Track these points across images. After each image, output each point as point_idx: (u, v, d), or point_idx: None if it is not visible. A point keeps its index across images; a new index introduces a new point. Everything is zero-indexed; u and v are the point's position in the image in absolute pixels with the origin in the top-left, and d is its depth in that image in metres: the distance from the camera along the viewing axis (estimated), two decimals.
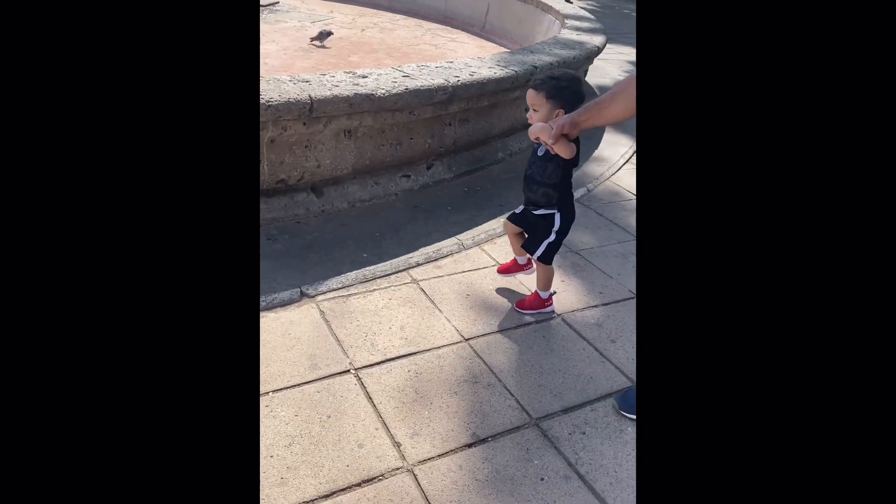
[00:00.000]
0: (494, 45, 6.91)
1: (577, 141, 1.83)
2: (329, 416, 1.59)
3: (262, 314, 1.98)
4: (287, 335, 1.89)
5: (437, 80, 2.85)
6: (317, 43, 5.83)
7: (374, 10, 8.32)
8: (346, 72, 2.81)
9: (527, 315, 2.14)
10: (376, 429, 1.57)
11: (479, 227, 2.70)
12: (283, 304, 2.04)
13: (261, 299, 2.03)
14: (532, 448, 1.57)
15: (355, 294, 2.15)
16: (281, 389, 1.67)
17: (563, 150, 1.78)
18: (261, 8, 7.61)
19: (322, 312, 2.03)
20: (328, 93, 2.50)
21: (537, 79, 1.89)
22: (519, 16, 6.94)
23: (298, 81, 2.56)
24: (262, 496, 1.35)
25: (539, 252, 2.03)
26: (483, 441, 1.58)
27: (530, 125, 1.87)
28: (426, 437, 1.57)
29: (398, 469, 1.46)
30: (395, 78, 2.81)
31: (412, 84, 2.77)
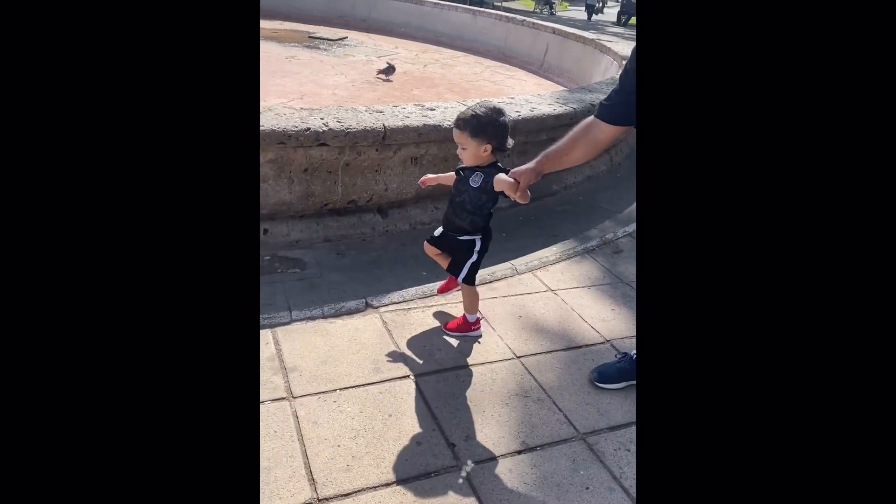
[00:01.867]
0: (552, 83, 7.10)
1: (505, 171, 1.89)
2: (390, 415, 1.73)
3: (331, 321, 2.16)
4: (353, 340, 2.06)
5: None
6: (382, 76, 6.17)
7: (436, 47, 8.71)
8: (415, 104, 3.03)
9: (454, 336, 2.15)
10: (433, 430, 1.70)
11: (532, 254, 2.83)
12: (351, 312, 2.22)
13: (331, 307, 2.22)
14: (578, 459, 1.66)
15: (415, 308, 2.31)
16: (347, 388, 1.82)
17: (524, 199, 1.80)
18: (331, 42, 8.11)
19: (385, 322, 2.19)
20: (400, 123, 2.72)
21: (459, 119, 1.89)
22: (577, 56, 7.12)
23: (374, 112, 2.79)
24: (329, 480, 1.50)
25: (463, 274, 2.07)
26: (532, 449, 1.68)
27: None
28: (479, 440, 1.68)
29: (452, 467, 1.58)
30: (460, 111, 3.01)
31: None
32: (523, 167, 1.81)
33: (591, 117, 1.73)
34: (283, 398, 1.75)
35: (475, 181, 1.95)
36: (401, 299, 2.34)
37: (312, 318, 2.16)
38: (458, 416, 1.77)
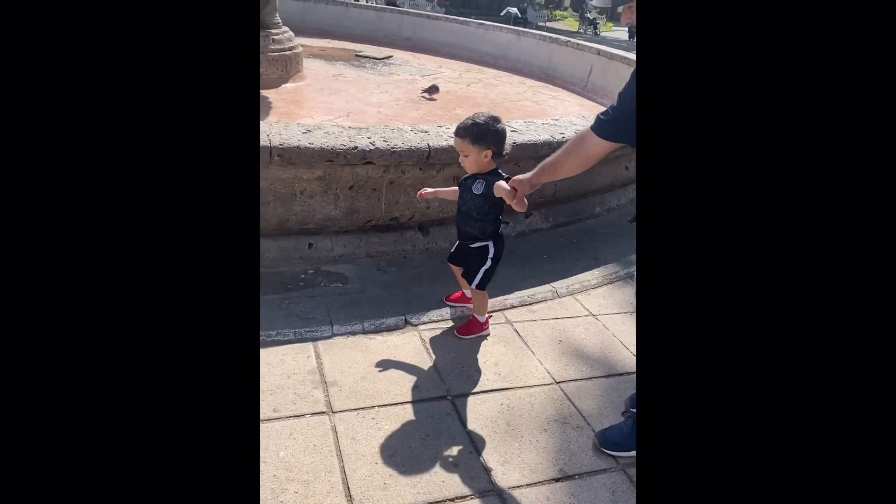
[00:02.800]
0: (595, 103, 7.07)
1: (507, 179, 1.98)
2: (427, 435, 1.73)
3: (371, 336, 2.19)
4: (392, 357, 2.07)
5: (543, 136, 3.04)
6: (426, 96, 6.26)
7: (480, 67, 8.78)
8: None
9: (466, 340, 2.23)
10: (469, 452, 1.69)
11: (574, 277, 2.80)
12: (390, 329, 2.24)
13: (371, 323, 2.24)
14: (618, 490, 1.62)
15: (454, 327, 2.31)
16: (386, 405, 1.83)
17: (521, 207, 1.92)
18: (376, 60, 8.29)
19: (423, 341, 2.20)
20: (444, 142, 2.75)
21: (460, 128, 2.02)
22: (622, 76, 7.06)
23: (419, 131, 2.84)
24: (367, 497, 1.50)
25: (476, 281, 2.16)
26: (570, 478, 1.65)
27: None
28: (516, 466, 1.66)
29: (489, 491, 1.57)
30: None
31: (519, 138, 2.97)
32: (522, 176, 1.89)
33: (587, 128, 1.74)
34: (324, 412, 1.77)
35: (477, 188, 2.06)
36: (440, 318, 2.35)
37: (353, 334, 2.19)
38: (495, 439, 1.75)
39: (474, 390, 1.96)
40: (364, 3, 16.02)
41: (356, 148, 2.58)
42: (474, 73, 8.22)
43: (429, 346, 2.17)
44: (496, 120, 2.02)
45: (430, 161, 2.73)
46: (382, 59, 8.37)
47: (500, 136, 2.01)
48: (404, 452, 1.66)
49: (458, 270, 2.30)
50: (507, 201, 1.91)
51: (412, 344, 2.17)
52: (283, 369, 1.94)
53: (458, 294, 2.46)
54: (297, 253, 2.68)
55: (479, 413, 1.85)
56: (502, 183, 1.93)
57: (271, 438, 1.64)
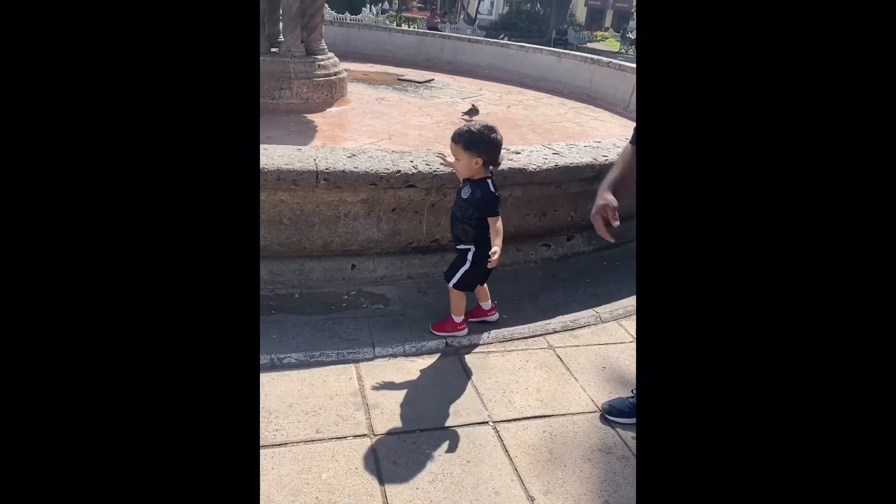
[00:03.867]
0: None
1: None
2: (468, 462, 1.71)
3: (412, 359, 2.19)
4: (433, 381, 2.07)
5: (586, 159, 3.02)
6: (466, 118, 6.33)
7: (520, 89, 8.83)
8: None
9: (441, 336, 2.30)
10: (511, 480, 1.66)
11: (618, 301, 2.75)
12: (431, 352, 2.24)
13: (412, 345, 2.25)
14: None
15: (494, 352, 2.29)
16: (427, 430, 1.83)
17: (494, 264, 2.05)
18: (418, 84, 8.43)
19: (464, 365, 2.19)
20: None
21: (455, 133, 2.13)
22: None
23: None
24: None
25: (455, 280, 2.26)
26: None
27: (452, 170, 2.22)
28: (559, 496, 1.63)
29: None
30: (545, 155, 3.02)
31: (561, 161, 2.96)
32: (608, 203, 1.85)
33: (628, 143, 1.80)
34: (365, 435, 1.78)
35: (465, 193, 2.19)
36: (481, 342, 2.34)
37: (395, 356, 2.20)
38: (538, 467, 1.72)
39: (516, 416, 1.93)
40: (406, 27, 16.41)
41: (399, 171, 2.62)
42: (514, 95, 8.26)
43: (470, 371, 2.15)
44: (491, 130, 2.13)
45: None
46: (424, 82, 8.52)
47: (493, 145, 2.12)
48: (445, 478, 1.64)
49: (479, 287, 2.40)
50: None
51: (453, 367, 2.17)
52: (326, 390, 1.97)
53: (473, 309, 2.48)
54: (341, 274, 2.73)
55: (521, 440, 1.83)
56: (495, 251, 2.04)
57: (314, 460, 1.66)
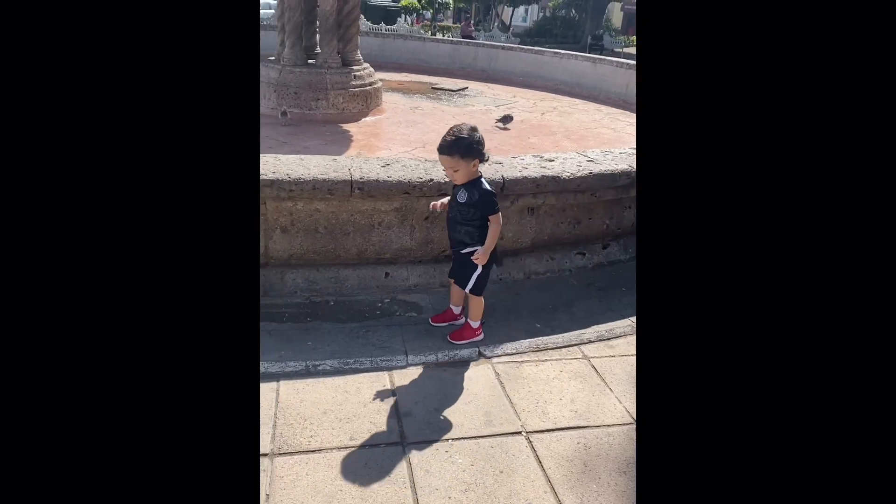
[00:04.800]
0: None
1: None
2: (501, 472, 1.70)
3: (445, 368, 2.19)
4: (466, 390, 2.07)
5: (622, 166, 2.98)
6: (500, 125, 6.33)
7: (554, 95, 8.78)
8: (534, 155, 3.06)
9: (461, 345, 2.29)
10: (545, 492, 1.64)
11: None
12: (464, 360, 2.24)
13: (445, 354, 2.26)
14: None
15: (528, 361, 2.28)
16: (459, 439, 1.82)
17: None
18: (452, 92, 8.48)
19: (497, 374, 2.18)
20: (518, 174, 2.76)
21: (444, 146, 2.08)
22: None
23: (493, 163, 2.86)
24: None
25: (470, 285, 2.25)
26: None
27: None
28: None
29: None
30: (579, 162, 2.99)
31: (596, 168, 2.93)
32: None
33: None
34: (398, 443, 1.79)
35: (461, 197, 2.18)
36: (514, 351, 2.33)
37: (427, 364, 2.20)
38: (572, 479, 1.70)
39: (550, 427, 1.91)
40: (440, 36, 16.53)
41: (432, 180, 2.64)
42: (549, 102, 8.22)
43: (503, 380, 2.14)
44: (474, 129, 2.13)
45: (503, 192, 2.74)
46: (458, 90, 8.56)
47: (481, 143, 2.12)
48: (478, 488, 1.63)
49: (455, 288, 2.39)
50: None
51: (486, 377, 2.16)
52: (359, 397, 1.99)
53: (445, 312, 2.49)
54: (374, 282, 2.76)
55: (555, 451, 1.80)
56: (479, 252, 2.12)
57: (347, 466, 1.67)
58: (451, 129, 2.12)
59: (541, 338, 2.42)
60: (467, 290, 2.28)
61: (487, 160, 2.22)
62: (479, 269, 2.23)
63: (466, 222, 2.19)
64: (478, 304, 2.31)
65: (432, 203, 2.36)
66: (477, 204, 2.14)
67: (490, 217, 2.15)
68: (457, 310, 2.47)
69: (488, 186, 2.19)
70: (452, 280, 2.38)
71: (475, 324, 2.35)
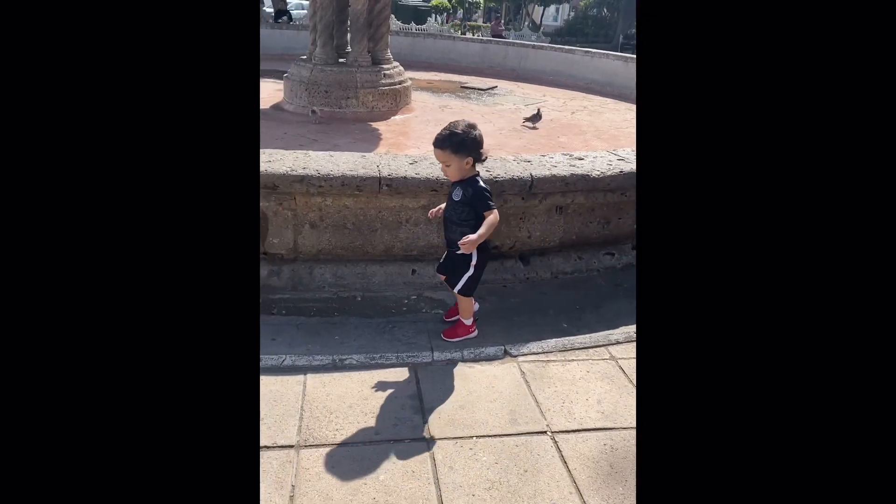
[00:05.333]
0: None
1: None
2: (526, 471, 1.69)
3: (470, 365, 2.19)
4: (491, 388, 2.06)
5: None
6: (528, 125, 6.29)
7: (585, 94, 8.69)
8: (563, 153, 3.03)
9: (453, 342, 2.30)
10: (570, 493, 1.62)
11: None
12: (489, 358, 2.23)
13: (470, 351, 2.25)
14: None
15: (554, 361, 2.25)
16: (483, 436, 1.82)
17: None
18: (481, 91, 8.45)
19: (523, 373, 2.16)
20: (547, 172, 2.74)
21: (438, 139, 2.08)
22: None
23: (521, 161, 2.84)
24: None
25: (460, 286, 2.24)
26: None
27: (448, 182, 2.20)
28: None
29: None
30: (609, 161, 2.95)
31: (627, 167, 2.88)
32: None
33: None
34: (422, 438, 1.79)
35: (456, 195, 2.17)
36: (540, 350, 2.31)
37: (452, 361, 2.20)
38: (598, 481, 1.67)
39: (576, 427, 1.89)
40: (470, 35, 16.52)
41: None
42: (579, 101, 8.14)
43: (528, 379, 2.13)
44: (472, 127, 2.10)
45: (532, 191, 2.72)
46: (487, 89, 8.54)
47: (479, 142, 2.10)
48: (502, 486, 1.63)
49: (441, 277, 2.37)
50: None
51: (511, 375, 2.15)
52: (385, 392, 1.99)
53: (453, 309, 2.48)
54: (401, 279, 2.77)
55: (581, 452, 1.78)
56: (470, 237, 2.05)
57: (372, 460, 1.68)
58: (449, 123, 2.12)
59: (567, 338, 2.39)
60: (456, 291, 2.27)
61: (484, 160, 2.20)
62: (472, 271, 2.21)
63: (462, 222, 2.17)
64: (467, 302, 2.31)
65: (430, 211, 2.34)
66: (471, 202, 2.13)
67: (485, 213, 2.12)
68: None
69: (483, 185, 2.17)
70: (444, 277, 2.36)
71: (468, 321, 2.34)
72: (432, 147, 2.14)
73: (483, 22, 25.95)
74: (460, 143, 2.07)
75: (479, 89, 8.50)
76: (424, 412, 1.91)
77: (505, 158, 2.90)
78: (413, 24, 19.73)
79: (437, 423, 1.86)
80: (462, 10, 27.94)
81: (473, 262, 2.22)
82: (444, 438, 1.80)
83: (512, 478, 1.66)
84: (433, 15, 25.49)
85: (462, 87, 8.65)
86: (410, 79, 6.85)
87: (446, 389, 2.04)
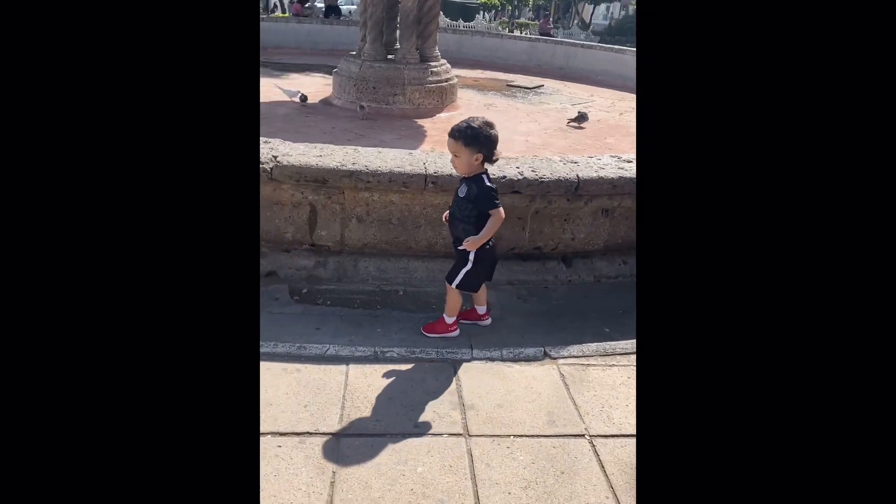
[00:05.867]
0: None
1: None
2: (563, 473, 1.69)
3: (509, 365, 2.20)
4: (530, 389, 2.06)
5: None
6: (574, 125, 6.21)
7: (634, 95, 8.51)
8: (611, 155, 3.00)
9: (431, 337, 2.30)
10: (606, 497, 1.62)
11: None
12: (528, 359, 2.23)
13: (510, 351, 2.26)
14: None
15: (594, 365, 2.24)
16: (521, 436, 1.83)
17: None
18: (527, 90, 8.40)
19: (562, 375, 2.16)
20: (594, 174, 2.71)
21: (454, 129, 2.10)
22: None
23: (567, 162, 2.83)
24: None
25: (457, 281, 2.24)
26: None
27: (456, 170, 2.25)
28: None
29: None
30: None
31: None
32: None
33: None
34: (460, 434, 1.81)
35: (462, 191, 2.18)
36: (580, 353, 2.29)
37: (492, 360, 2.22)
38: (636, 488, 1.66)
39: (614, 433, 1.88)
40: (518, 34, 16.41)
41: (504, 177, 2.64)
42: (628, 102, 7.98)
43: (568, 382, 2.12)
44: (490, 126, 2.11)
45: (578, 192, 2.70)
46: (533, 88, 8.48)
47: (492, 141, 2.10)
48: (538, 486, 1.63)
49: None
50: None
51: (550, 377, 2.14)
52: (424, 387, 2.03)
53: (467, 311, 2.45)
54: (443, 275, 2.78)
55: (619, 458, 1.77)
56: (473, 238, 2.11)
57: (410, 453, 1.72)
58: (468, 118, 2.15)
59: (609, 342, 2.37)
60: (452, 285, 2.25)
61: (495, 161, 2.20)
62: (469, 266, 2.21)
63: (464, 219, 2.17)
64: (455, 299, 2.30)
65: (444, 214, 2.35)
66: (475, 199, 2.13)
67: (490, 211, 2.12)
68: (481, 310, 2.44)
69: (490, 183, 2.16)
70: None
71: (450, 319, 2.33)
72: (448, 136, 2.15)
73: (531, 20, 25.73)
74: (473, 136, 2.08)
75: (525, 88, 8.44)
76: (464, 408, 1.93)
77: (551, 158, 2.89)
78: (461, 20, 19.73)
79: (476, 420, 1.88)
80: (511, 8, 27.75)
81: (472, 257, 2.21)
82: (482, 436, 1.81)
83: (548, 479, 1.66)
84: (481, 12, 25.41)
85: (508, 85, 8.61)
86: (457, 76, 6.87)
87: (485, 388, 2.05)
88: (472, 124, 2.10)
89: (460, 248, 2.21)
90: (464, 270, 2.24)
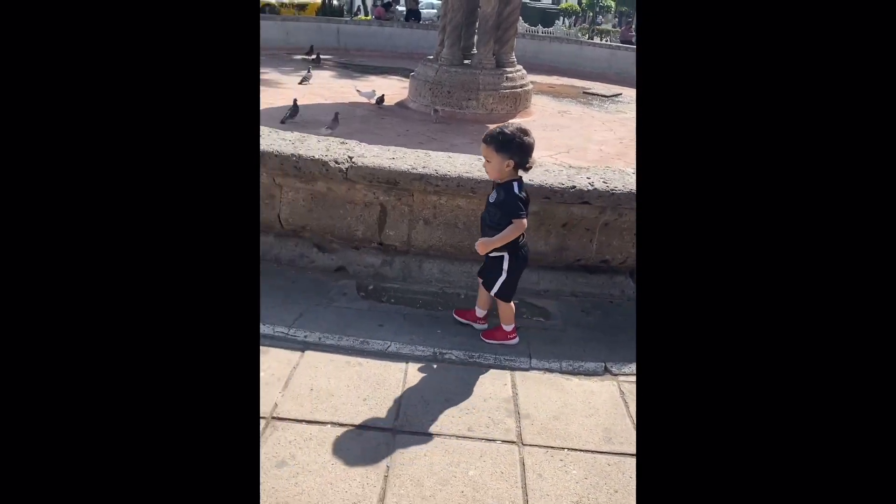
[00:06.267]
0: None
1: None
2: (616, 491, 1.66)
3: (568, 377, 2.17)
4: (587, 403, 2.03)
5: None
6: None
7: None
8: None
9: (490, 344, 2.29)
10: None
11: None
12: (588, 373, 2.20)
13: (569, 363, 2.23)
14: None
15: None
16: (575, 450, 1.81)
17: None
18: (604, 98, 8.23)
19: (622, 392, 2.11)
20: None
21: (487, 134, 2.10)
22: None
23: None
24: None
25: (495, 289, 2.25)
26: None
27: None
28: None
29: None
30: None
31: None
32: None
33: None
34: (514, 442, 1.81)
35: (492, 197, 2.18)
36: None
37: (550, 371, 2.20)
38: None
39: None
40: (598, 41, 16.09)
41: (574, 187, 2.61)
42: None
43: (627, 399, 2.07)
44: (525, 133, 2.10)
45: None
46: (611, 96, 8.30)
47: (525, 148, 2.08)
48: (590, 503, 1.61)
49: (482, 291, 2.36)
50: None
51: (610, 393, 2.10)
52: (480, 391, 2.04)
53: (469, 311, 2.45)
54: None
55: None
56: (484, 240, 2.14)
57: (463, 455, 1.74)
58: (504, 123, 2.14)
59: None
60: (492, 293, 2.27)
61: (529, 168, 2.17)
62: (504, 276, 2.20)
63: (494, 225, 2.16)
64: (507, 309, 2.30)
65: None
66: (502, 205, 2.12)
67: (513, 220, 2.10)
68: (480, 313, 2.42)
69: (519, 192, 2.13)
70: (481, 280, 2.36)
71: (508, 327, 2.34)
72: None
73: (613, 27, 25.14)
74: (505, 142, 2.08)
75: (602, 95, 8.28)
76: (519, 417, 1.93)
77: (624, 170, 2.83)
78: (540, 26, 19.58)
79: (530, 429, 1.88)
80: (591, 14, 27.25)
81: (506, 266, 2.21)
82: (536, 446, 1.81)
83: (601, 496, 1.64)
84: (561, 18, 25.10)
85: (584, 92, 8.47)
86: (532, 82, 6.84)
87: (542, 398, 2.04)
88: (505, 130, 2.11)
89: (490, 255, 2.22)
90: (500, 281, 2.25)
